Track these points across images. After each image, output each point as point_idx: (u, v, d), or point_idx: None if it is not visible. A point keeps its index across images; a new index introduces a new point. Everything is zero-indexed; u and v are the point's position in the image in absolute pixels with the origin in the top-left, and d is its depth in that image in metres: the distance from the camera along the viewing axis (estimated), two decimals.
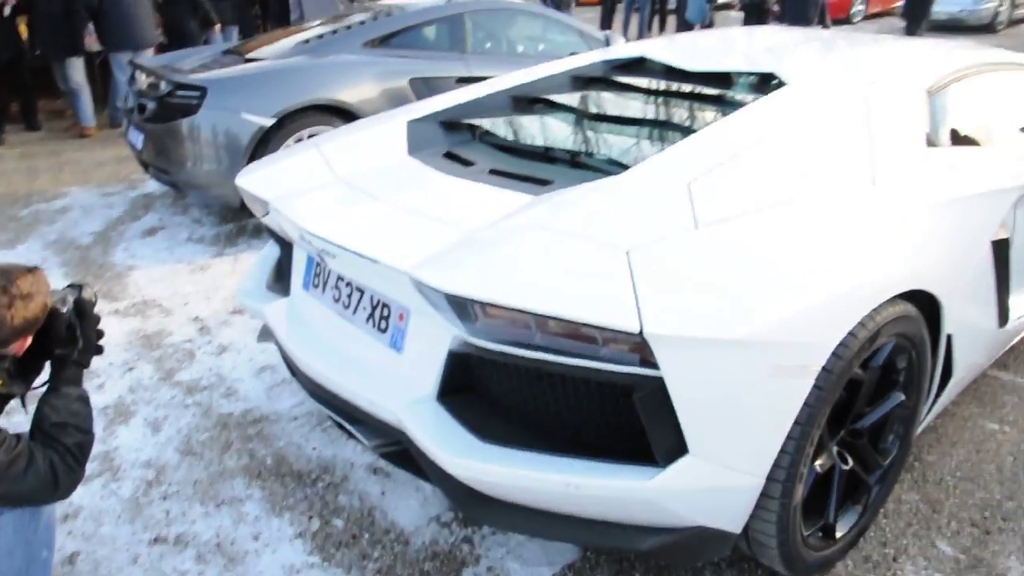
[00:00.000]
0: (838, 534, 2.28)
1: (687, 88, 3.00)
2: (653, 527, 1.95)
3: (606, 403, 1.93)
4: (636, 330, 1.72)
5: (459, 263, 1.93)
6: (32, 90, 8.11)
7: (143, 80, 5.35)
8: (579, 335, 1.81)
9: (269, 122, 4.68)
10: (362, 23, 5.42)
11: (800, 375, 1.93)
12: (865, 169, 2.35)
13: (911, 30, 11.43)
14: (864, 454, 2.32)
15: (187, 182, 4.86)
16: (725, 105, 2.78)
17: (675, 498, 1.86)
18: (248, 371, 3.47)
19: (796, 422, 1.95)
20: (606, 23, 13.22)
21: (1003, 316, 2.79)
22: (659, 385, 1.79)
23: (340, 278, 2.41)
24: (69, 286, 2.11)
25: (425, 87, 5.20)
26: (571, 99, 3.09)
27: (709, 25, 11.69)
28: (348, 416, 2.30)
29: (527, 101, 3.16)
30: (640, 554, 1.97)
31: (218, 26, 8.20)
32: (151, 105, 4.95)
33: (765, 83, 2.88)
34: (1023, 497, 2.61)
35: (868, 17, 15.52)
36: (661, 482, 1.83)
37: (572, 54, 5.87)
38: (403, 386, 2.14)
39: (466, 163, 2.65)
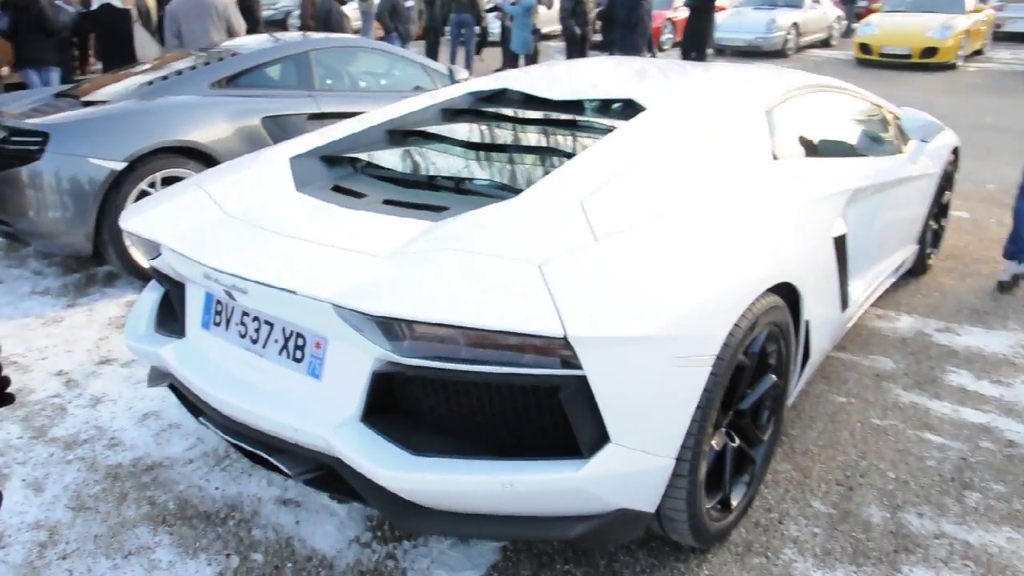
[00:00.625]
0: (733, 504, 2.53)
1: (554, 116, 3.22)
2: (579, 515, 2.12)
3: (529, 405, 2.08)
4: (561, 334, 1.89)
5: (383, 287, 2.03)
6: None
7: None
8: (505, 344, 1.95)
9: (120, 166, 4.55)
10: (207, 64, 5.35)
11: (699, 364, 2.16)
12: (729, 181, 2.64)
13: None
14: (748, 432, 2.58)
15: (30, 232, 4.62)
16: (593, 130, 3.02)
17: (600, 485, 2.03)
18: (130, 420, 3.37)
19: (698, 406, 2.18)
20: (431, 56, 13.49)
21: (844, 302, 3.17)
22: (582, 383, 1.96)
23: (246, 313, 2.44)
24: None
25: (276, 126, 5.21)
26: (446, 130, 3.24)
27: (534, 55, 12.21)
28: (268, 448, 2.33)
29: (402, 134, 3.28)
30: (568, 541, 2.13)
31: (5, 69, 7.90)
32: None
33: (625, 108, 3.15)
34: (873, 456, 2.98)
35: (676, 44, 16.63)
36: (588, 471, 2.00)
37: (417, 88, 6.08)
38: (326, 411, 2.21)
39: (357, 195, 2.74)
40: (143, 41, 7.83)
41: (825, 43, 17.69)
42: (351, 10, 17.15)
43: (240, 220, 2.59)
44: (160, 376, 2.91)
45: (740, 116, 3.02)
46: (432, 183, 2.83)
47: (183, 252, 2.44)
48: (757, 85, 3.38)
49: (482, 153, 3.01)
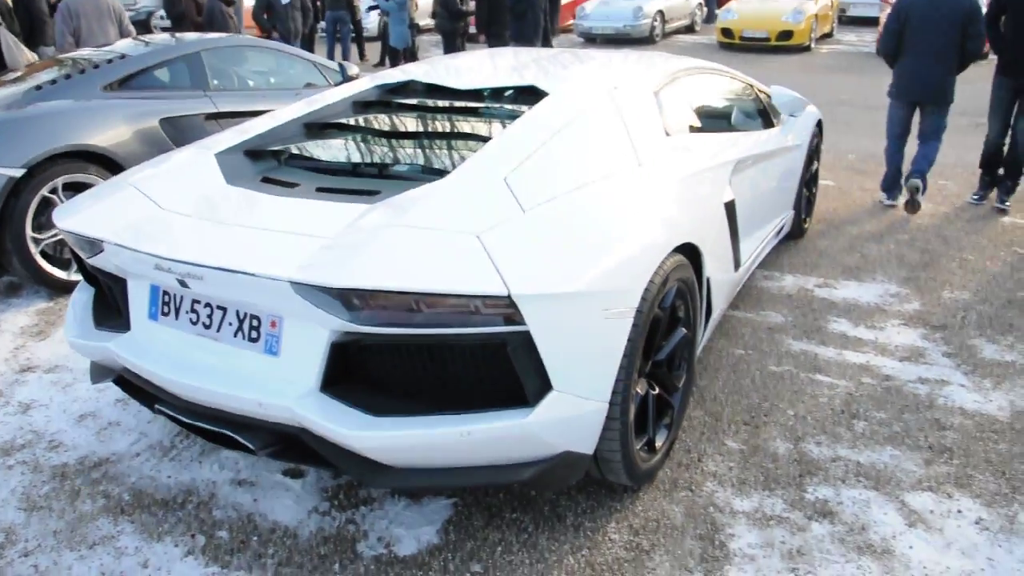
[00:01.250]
0: (657, 446, 2.82)
1: (462, 104, 3.44)
2: (528, 461, 2.36)
3: (477, 362, 2.30)
4: (505, 294, 2.12)
5: (338, 262, 2.21)
6: None
7: None
8: (454, 307, 2.17)
9: (19, 173, 4.49)
10: (96, 67, 5.30)
11: (623, 317, 2.43)
12: (631, 155, 2.93)
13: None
14: (665, 380, 2.88)
15: None
16: (502, 116, 3.25)
17: (546, 429, 2.28)
18: (67, 422, 3.41)
19: (624, 355, 2.45)
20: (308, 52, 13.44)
21: (737, 262, 3.52)
22: (525, 338, 2.20)
23: (196, 301, 2.57)
24: None
25: (174, 127, 5.22)
26: (361, 121, 3.41)
27: (413, 50, 12.35)
28: (233, 426, 2.47)
29: (319, 126, 3.43)
30: (524, 484, 2.36)
31: None
32: None
33: (528, 94, 3.39)
34: (774, 398, 3.35)
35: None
36: (535, 417, 2.24)
37: (308, 85, 6.17)
38: (287, 385, 2.37)
39: (289, 185, 2.89)
40: (8, 44, 7.56)
41: (689, 29, 18.52)
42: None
43: (179, 214, 2.70)
44: (103, 372, 2.98)
45: (633, 98, 3.32)
46: (358, 170, 3.00)
47: (132, 246, 2.53)
48: (644, 69, 3.69)
49: (400, 140, 3.19)
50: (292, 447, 2.48)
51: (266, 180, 2.97)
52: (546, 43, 10.21)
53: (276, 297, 2.30)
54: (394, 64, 12.27)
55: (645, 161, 2.98)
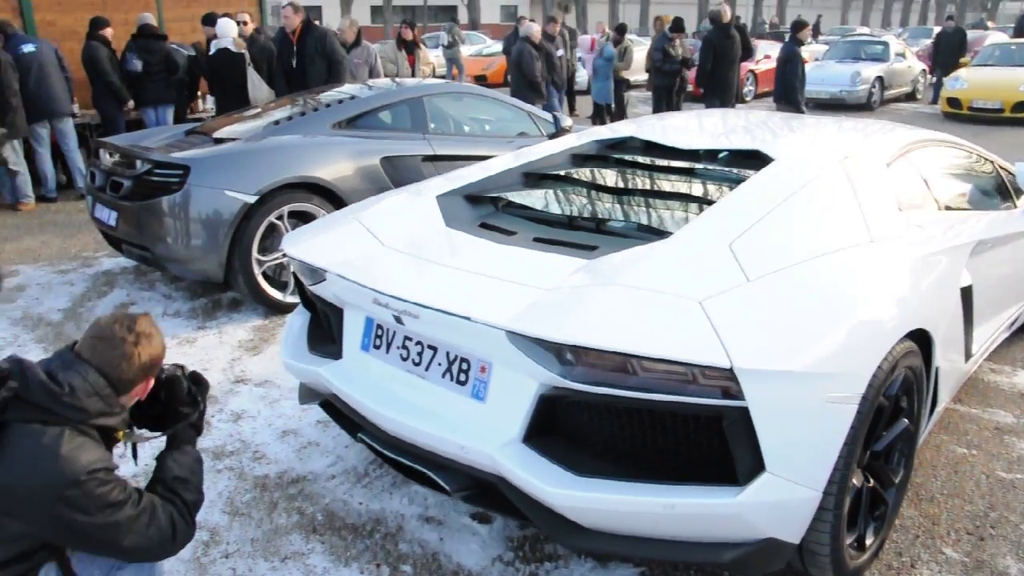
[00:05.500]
0: (867, 543, 2.60)
1: (682, 164, 3.38)
2: (729, 542, 2.22)
3: (687, 433, 2.21)
4: (727, 366, 2.03)
5: (556, 316, 2.19)
6: None
7: (109, 159, 5.44)
8: (671, 373, 2.09)
9: (252, 199, 4.84)
10: (328, 106, 5.67)
11: (847, 402, 2.26)
12: (863, 229, 2.75)
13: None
14: (881, 473, 2.66)
15: (167, 258, 4.93)
16: (724, 179, 3.16)
17: (755, 512, 2.14)
18: (270, 436, 3.58)
19: (845, 442, 2.28)
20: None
21: (968, 353, 3.23)
22: (743, 413, 2.09)
23: (408, 338, 2.63)
24: (173, 364, 2.27)
25: (393, 166, 5.47)
26: (579, 174, 3.42)
27: (622, 105, 12.44)
28: (430, 464, 2.49)
29: (537, 177, 3.47)
30: (720, 566, 2.23)
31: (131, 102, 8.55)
32: (126, 183, 5.03)
33: (752, 159, 3.29)
34: (1003, 508, 3.01)
35: (757, 96, 16.77)
36: (745, 498, 2.11)
37: (521, 133, 6.31)
38: (490, 432, 2.36)
39: (507, 232, 2.92)
40: (254, 83, 8.27)
41: (910, 96, 17.59)
42: (436, 57, 17.60)
43: (400, 252, 2.79)
44: (311, 394, 3.12)
45: (865, 169, 3.14)
46: (574, 223, 2.99)
47: (353, 279, 2.64)
48: (875, 139, 3.49)
49: (618, 197, 3.17)
50: (487, 493, 2.47)
51: (484, 226, 3.02)
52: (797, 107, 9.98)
53: (489, 343, 2.32)
54: (597, 119, 12.38)
55: (877, 237, 2.79)
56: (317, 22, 10.72)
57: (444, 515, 2.98)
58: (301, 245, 2.98)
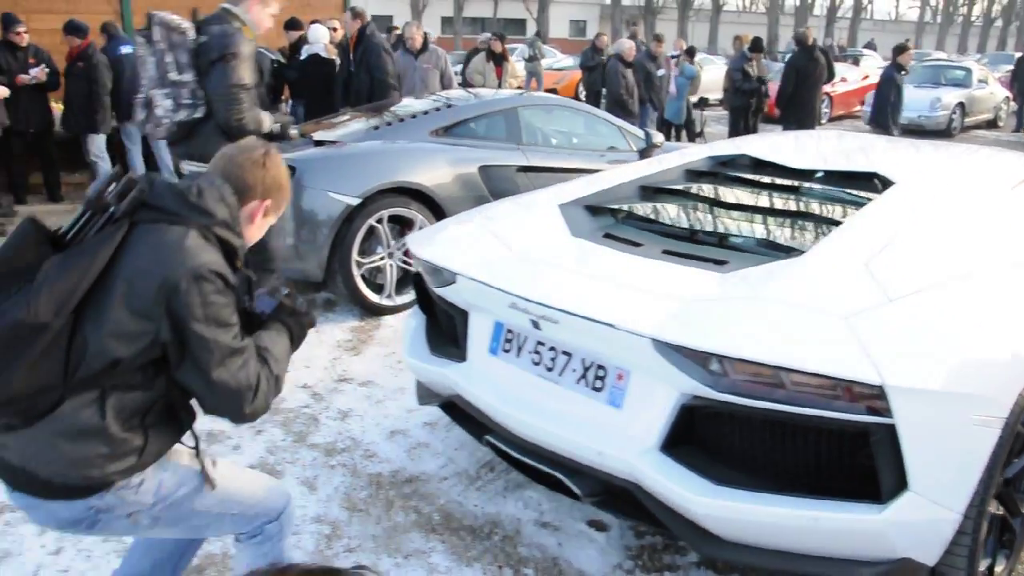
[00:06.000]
0: (996, 571, 2.58)
1: (799, 183, 3.40)
2: (866, 559, 2.23)
3: (830, 447, 2.22)
4: (877, 383, 2.04)
5: (702, 326, 2.23)
6: (56, 163, 8.35)
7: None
8: (819, 388, 2.11)
9: (355, 201, 4.95)
10: (425, 113, 5.78)
11: (989, 425, 2.26)
12: (1004, 252, 2.74)
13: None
14: (1010, 501, 2.64)
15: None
16: (846, 199, 3.16)
17: (895, 530, 2.15)
18: (379, 435, 3.67)
19: (987, 466, 2.27)
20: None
21: None
22: (889, 431, 2.10)
23: (541, 343, 2.68)
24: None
25: (489, 175, 5.55)
26: (698, 189, 3.45)
27: (693, 126, 12.39)
28: (563, 469, 2.53)
29: (653, 190, 3.51)
30: None
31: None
32: None
33: (872, 181, 3.29)
34: None
35: (832, 119, 16.58)
36: (888, 515, 2.12)
37: (611, 148, 6.35)
38: (627, 439, 2.41)
39: (633, 244, 2.95)
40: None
41: (991, 124, 17.22)
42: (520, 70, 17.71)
43: (532, 258, 2.85)
44: (430, 395, 3.19)
45: (990, 193, 3.12)
46: (695, 237, 3.01)
47: (490, 283, 2.70)
48: (995, 163, 3.46)
49: (738, 212, 3.19)
50: (616, 499, 2.51)
51: (607, 236, 3.06)
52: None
53: (631, 351, 2.36)
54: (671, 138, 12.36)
55: (1011, 262, 2.78)
56: (393, 32, 10.82)
57: (560, 521, 3.03)
58: (432, 248, 3.06)
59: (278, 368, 1.98)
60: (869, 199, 3.06)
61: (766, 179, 3.49)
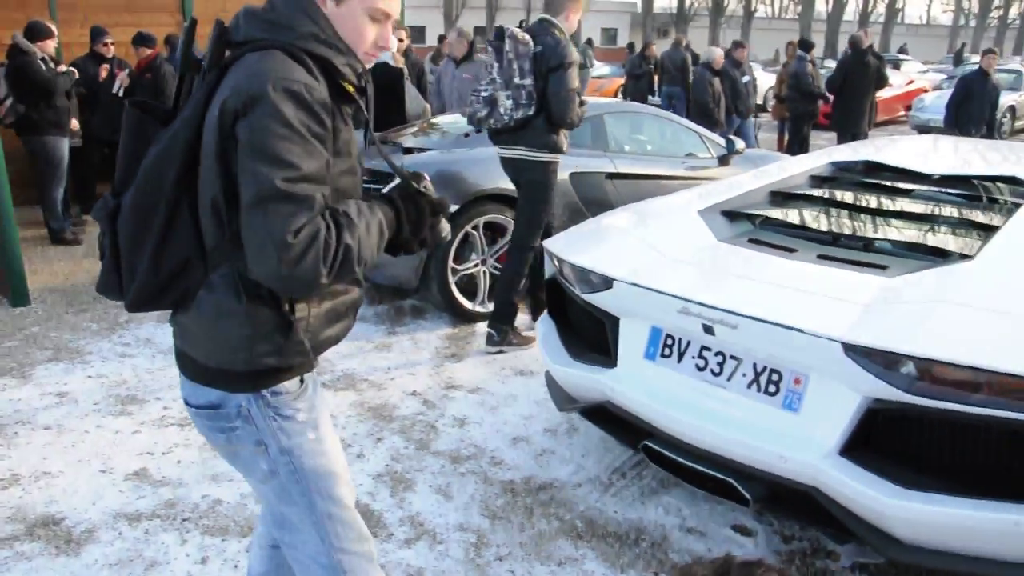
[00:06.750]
0: None
1: (933, 188, 3.36)
2: None
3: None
4: None
5: (903, 330, 2.21)
6: None
7: None
8: (1019, 390, 2.07)
9: (454, 208, 4.96)
10: None
11: None
12: None
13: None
14: None
15: None
16: (991, 203, 3.12)
17: None
18: (501, 442, 3.65)
19: None
20: None
21: None
22: None
23: (706, 348, 2.66)
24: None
25: (579, 182, 5.54)
26: (828, 194, 3.41)
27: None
28: (735, 473, 2.51)
29: (783, 196, 3.48)
30: None
31: None
32: None
33: (1009, 183, 3.25)
34: None
35: (877, 124, 16.43)
36: None
37: (689, 154, 6.32)
38: (806, 443, 2.38)
39: (782, 248, 2.92)
40: (411, 97, 8.47)
41: None
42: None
43: (686, 263, 2.83)
44: (569, 400, 3.18)
45: None
46: (837, 241, 2.99)
47: (656, 288, 2.67)
48: None
49: (880, 217, 3.15)
50: (785, 502, 2.48)
51: (752, 241, 3.03)
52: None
53: (813, 355, 2.33)
54: None
55: None
56: (444, 42, 10.67)
57: (704, 526, 3.00)
58: (584, 254, 3.04)
59: (353, 238, 1.56)
60: (1017, 203, 3.02)
61: (899, 184, 3.46)
